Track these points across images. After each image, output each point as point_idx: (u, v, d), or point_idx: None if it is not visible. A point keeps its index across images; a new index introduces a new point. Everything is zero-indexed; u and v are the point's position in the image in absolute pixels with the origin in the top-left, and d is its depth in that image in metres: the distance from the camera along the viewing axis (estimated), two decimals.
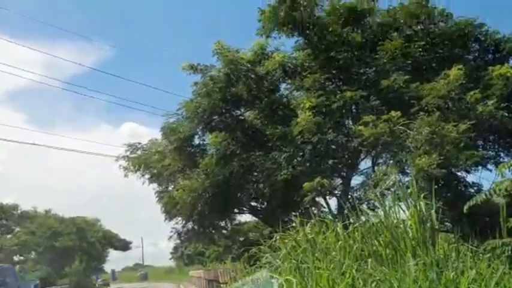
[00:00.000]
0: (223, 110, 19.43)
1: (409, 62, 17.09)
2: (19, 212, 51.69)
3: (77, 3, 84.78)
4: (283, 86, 20.09)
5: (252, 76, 18.77)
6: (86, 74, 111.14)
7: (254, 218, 26.42)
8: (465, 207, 9.64)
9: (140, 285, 59.09)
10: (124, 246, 68.72)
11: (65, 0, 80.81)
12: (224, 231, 26.82)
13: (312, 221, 8.98)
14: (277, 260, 7.84)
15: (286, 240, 9.07)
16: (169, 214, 23.78)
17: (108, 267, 69.96)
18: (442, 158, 13.56)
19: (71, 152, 49.85)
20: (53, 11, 76.75)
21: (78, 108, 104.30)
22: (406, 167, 15.65)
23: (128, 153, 26.35)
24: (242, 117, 20.22)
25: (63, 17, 78.31)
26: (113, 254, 66.63)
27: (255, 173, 19.72)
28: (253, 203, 22.54)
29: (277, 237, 9.51)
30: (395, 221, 7.49)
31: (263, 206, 22.46)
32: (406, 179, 14.90)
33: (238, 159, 18.74)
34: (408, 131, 14.66)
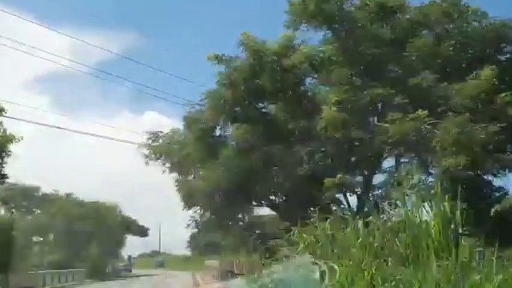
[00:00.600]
0: (246, 102, 19.31)
1: (439, 60, 16.66)
2: (40, 194, 52.61)
3: None
4: (308, 79, 19.86)
5: (278, 68, 18.54)
6: (112, 61, 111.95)
7: (272, 212, 26.34)
8: (492, 211, 9.36)
9: (156, 272, 59.69)
10: (142, 232, 69.44)
11: None
12: (241, 223, 26.84)
13: (332, 217, 8.85)
14: (295, 254, 7.73)
15: (305, 235, 8.96)
16: (188, 203, 23.89)
17: (125, 252, 70.84)
18: (469, 159, 13.21)
19: (93, 137, 50.28)
20: None
21: (102, 94, 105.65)
22: (430, 168, 15.33)
23: (150, 141, 26.51)
24: (265, 110, 20.09)
25: (91, 3, 79.13)
26: (131, 240, 67.33)
27: (275, 167, 19.60)
28: (271, 197, 22.44)
29: (295, 232, 9.41)
30: (417, 221, 7.30)
31: (281, 200, 22.34)
32: (430, 179, 14.61)
33: (259, 152, 18.63)
34: (435, 130, 14.32)
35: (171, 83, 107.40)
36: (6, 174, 20.39)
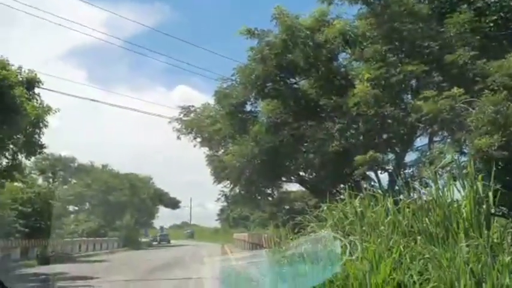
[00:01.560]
0: (278, 77, 19.18)
1: (478, 37, 16.09)
2: (76, 164, 54.19)
3: None
4: (342, 55, 19.52)
5: (310, 43, 18.28)
6: (145, 34, 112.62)
7: (301, 188, 26.44)
8: None
9: (186, 243, 61.03)
10: (173, 204, 70.86)
11: None
12: (270, 198, 27.05)
13: (361, 194, 8.86)
14: (323, 230, 7.79)
15: (334, 212, 9.01)
16: (218, 177, 24.22)
17: (157, 223, 72.54)
18: (504, 139, 12.87)
19: (126, 110, 51.20)
20: None
21: (135, 68, 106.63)
22: (464, 147, 15.02)
23: (182, 115, 26.81)
24: (296, 86, 19.93)
25: None
26: (162, 211, 68.82)
27: (306, 143, 19.58)
28: (301, 173, 22.47)
29: (324, 208, 9.46)
30: (448, 200, 7.25)
31: (311, 177, 22.36)
32: (464, 159, 14.33)
33: (289, 128, 18.61)
34: (470, 109, 13.97)
35: (203, 58, 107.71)
36: (44, 145, 21.06)
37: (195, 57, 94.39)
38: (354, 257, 6.57)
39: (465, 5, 16.68)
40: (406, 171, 17.52)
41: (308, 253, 5.65)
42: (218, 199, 29.17)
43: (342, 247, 5.28)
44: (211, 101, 24.13)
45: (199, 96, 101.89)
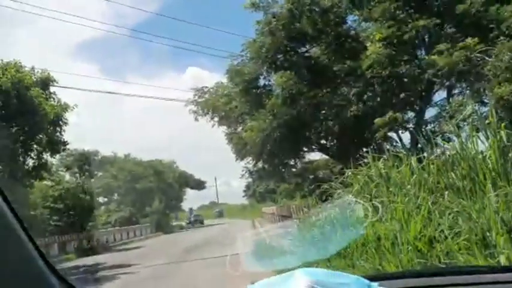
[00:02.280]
0: (288, 48, 19.06)
1: None
2: (99, 157, 55.08)
3: None
4: (350, 18, 19.25)
5: (317, 10, 18.08)
6: (150, 21, 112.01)
7: (324, 156, 26.45)
8: None
9: (216, 222, 61.85)
10: (199, 185, 71.57)
11: None
12: (294, 170, 27.15)
13: (385, 156, 8.86)
14: (350, 195, 7.86)
15: (359, 176, 9.06)
16: (240, 154, 24.37)
17: (185, 205, 73.56)
18: None
19: (142, 98, 51.58)
20: None
21: (144, 55, 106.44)
22: (484, 97, 14.80)
23: (196, 97, 26.92)
24: (307, 54, 19.77)
25: None
26: (189, 193, 69.55)
27: (323, 111, 19.51)
28: (322, 141, 22.46)
29: (349, 173, 9.51)
30: (473, 152, 7.20)
31: (333, 144, 22.34)
32: (485, 109, 14.12)
33: (305, 98, 18.53)
34: (486, 58, 13.70)
35: (209, 37, 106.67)
36: (67, 141, 21.45)
37: (201, 38, 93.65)
38: (383, 218, 6.65)
39: None
40: (428, 127, 17.38)
41: (337, 218, 5.73)
42: (242, 175, 29.52)
43: (369, 210, 5.33)
44: (223, 80, 24.17)
45: (210, 76, 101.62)
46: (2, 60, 18.82)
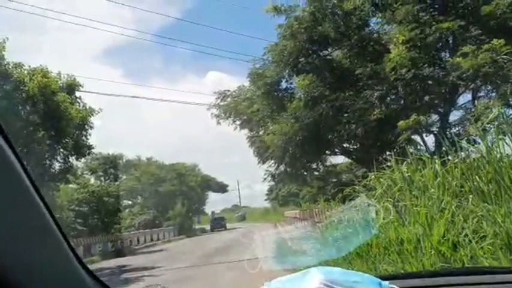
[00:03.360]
0: (310, 51, 19.04)
1: None
2: (124, 161, 55.79)
3: None
4: (372, 21, 19.12)
5: (339, 13, 18.04)
6: (172, 26, 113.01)
7: (347, 160, 26.30)
8: None
9: (239, 226, 61.90)
10: (221, 189, 71.77)
11: None
12: (316, 173, 27.06)
13: (408, 159, 8.78)
14: (373, 199, 7.80)
15: (382, 180, 8.99)
16: (262, 157, 24.43)
17: (208, 209, 73.87)
18: None
19: (164, 102, 52.07)
20: None
21: (166, 59, 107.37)
22: (510, 99, 14.52)
23: (219, 101, 27.12)
24: (330, 57, 19.71)
25: None
26: (212, 197, 69.79)
27: (346, 114, 19.39)
28: (345, 144, 22.33)
29: (372, 177, 9.44)
30: (498, 155, 7.08)
31: (356, 147, 22.20)
32: (511, 112, 13.87)
33: (327, 101, 18.47)
34: None
35: (230, 41, 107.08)
36: (92, 145, 21.84)
37: (223, 42, 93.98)
38: (406, 222, 6.59)
39: None
40: (452, 130, 17.12)
41: (359, 221, 5.72)
42: (265, 179, 29.54)
43: (391, 213, 5.31)
44: (245, 83, 24.30)
45: (231, 80, 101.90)
46: (29, 66, 19.30)
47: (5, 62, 18.52)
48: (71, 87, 20.62)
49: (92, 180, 35.30)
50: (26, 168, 1.15)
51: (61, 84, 20.09)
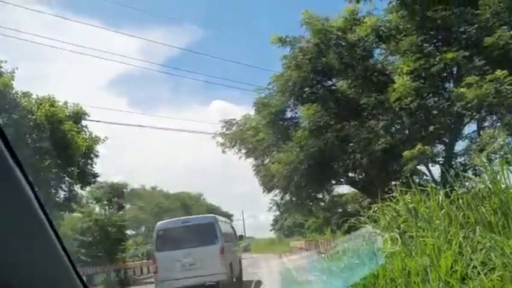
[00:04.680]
0: (315, 82, 19.21)
1: None
2: (128, 190, 55.76)
3: None
4: (376, 51, 19.34)
5: (343, 44, 18.26)
6: (178, 56, 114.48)
7: (352, 189, 26.16)
8: None
9: (244, 256, 61.06)
10: (226, 218, 71.49)
11: None
12: (322, 203, 26.87)
13: (412, 190, 8.72)
14: (378, 230, 7.72)
15: (386, 211, 8.92)
16: (267, 187, 24.30)
17: None
18: None
19: (169, 131, 52.30)
20: None
21: (172, 89, 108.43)
22: None
23: (224, 129, 27.22)
24: (334, 87, 19.88)
25: (151, 2, 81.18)
26: None
27: (351, 144, 19.39)
28: (350, 174, 22.24)
29: (376, 208, 9.37)
30: (503, 186, 7.04)
31: (361, 177, 22.11)
32: None
33: (332, 130, 18.52)
34: None
35: (235, 71, 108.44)
36: (97, 174, 21.90)
37: (229, 72, 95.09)
38: (413, 253, 6.51)
39: None
40: (458, 160, 17.07)
41: (364, 253, 5.65)
42: (270, 208, 29.41)
43: (397, 244, 5.25)
44: (250, 112, 24.44)
45: (235, 108, 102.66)
46: (37, 95, 19.56)
47: (14, 91, 18.80)
48: (78, 116, 20.83)
49: (97, 209, 35.17)
50: (24, 171, 1.15)
51: (68, 113, 20.30)
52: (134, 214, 50.44)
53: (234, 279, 15.86)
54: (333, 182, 23.03)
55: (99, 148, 21.55)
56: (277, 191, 24.15)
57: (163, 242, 14.70)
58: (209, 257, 14.06)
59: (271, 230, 77.12)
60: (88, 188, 26.31)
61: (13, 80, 18.53)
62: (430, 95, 15.91)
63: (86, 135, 21.07)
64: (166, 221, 16.66)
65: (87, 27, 70.25)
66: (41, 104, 19.00)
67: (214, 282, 14.45)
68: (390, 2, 17.89)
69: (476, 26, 15.80)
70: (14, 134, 17.00)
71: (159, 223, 15.92)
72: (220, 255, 14.17)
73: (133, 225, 52.05)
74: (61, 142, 18.99)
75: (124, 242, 33.87)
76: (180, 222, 15.68)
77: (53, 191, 20.51)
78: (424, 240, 6.64)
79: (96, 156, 21.38)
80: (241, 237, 26.41)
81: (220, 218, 17.73)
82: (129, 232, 51.08)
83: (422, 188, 8.66)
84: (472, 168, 13.68)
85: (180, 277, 13.92)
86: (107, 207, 35.91)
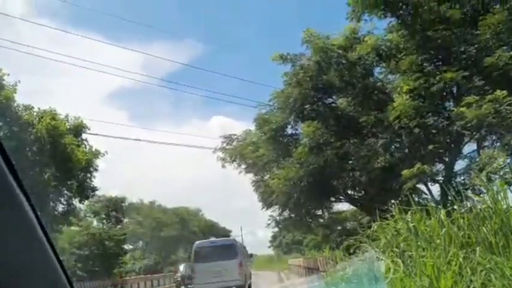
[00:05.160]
0: (315, 99, 19.31)
1: None
2: (127, 204, 55.60)
3: (166, 4, 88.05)
4: (377, 70, 19.47)
5: (344, 62, 18.40)
6: (179, 71, 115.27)
7: (351, 207, 26.07)
8: None
9: None
10: (224, 235, 70.96)
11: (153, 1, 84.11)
12: (321, 220, 26.75)
13: (412, 208, 8.70)
14: (377, 249, 7.69)
15: (386, 230, 8.89)
16: (266, 203, 24.23)
17: None
18: None
19: (169, 145, 52.31)
20: (143, 12, 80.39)
21: (172, 104, 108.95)
22: None
23: (225, 144, 27.23)
24: (334, 105, 19.97)
25: (153, 17, 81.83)
26: None
27: (351, 161, 19.44)
28: (349, 191, 22.22)
29: (376, 226, 9.34)
30: (504, 206, 7.03)
31: (360, 195, 22.08)
32: None
33: (332, 148, 18.56)
34: None
35: (236, 87, 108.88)
36: (96, 187, 21.84)
37: (228, 87, 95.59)
38: (412, 273, 6.48)
39: (498, 5, 16.36)
40: (457, 179, 17.05)
41: (364, 273, 5.61)
42: (268, 225, 29.20)
43: (397, 265, 5.22)
44: (250, 128, 24.51)
45: (235, 124, 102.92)
46: (38, 108, 19.61)
47: (15, 104, 18.85)
48: (78, 129, 20.86)
49: (95, 223, 35.02)
50: (22, 185, 1.15)
51: (68, 126, 20.33)
52: (132, 228, 50.20)
53: (247, 286, 21.63)
54: (332, 199, 22.99)
55: (98, 162, 21.54)
56: (276, 207, 24.10)
57: (198, 257, 20.42)
58: (231, 268, 19.73)
59: (269, 247, 76.68)
60: (86, 202, 26.24)
61: (15, 92, 18.60)
62: (430, 114, 15.96)
63: (85, 148, 21.08)
64: (201, 241, 23.00)
65: (89, 41, 70.70)
66: (42, 117, 19.04)
67: (234, 286, 19.59)
68: (390, 22, 18.09)
69: (476, 46, 15.92)
70: (14, 147, 17.00)
71: (196, 242, 22.06)
72: (239, 267, 20.10)
73: (131, 240, 51.78)
74: (61, 155, 19.00)
75: (121, 256, 33.68)
76: (210, 243, 22.53)
77: (52, 204, 20.45)
78: (423, 261, 6.61)
79: (96, 170, 21.36)
80: (251, 255, 30.86)
81: (238, 240, 25.48)
82: (126, 247, 50.85)
83: (422, 206, 8.65)
84: (471, 188, 13.65)
85: (210, 282, 19.30)
86: (104, 221, 35.75)
